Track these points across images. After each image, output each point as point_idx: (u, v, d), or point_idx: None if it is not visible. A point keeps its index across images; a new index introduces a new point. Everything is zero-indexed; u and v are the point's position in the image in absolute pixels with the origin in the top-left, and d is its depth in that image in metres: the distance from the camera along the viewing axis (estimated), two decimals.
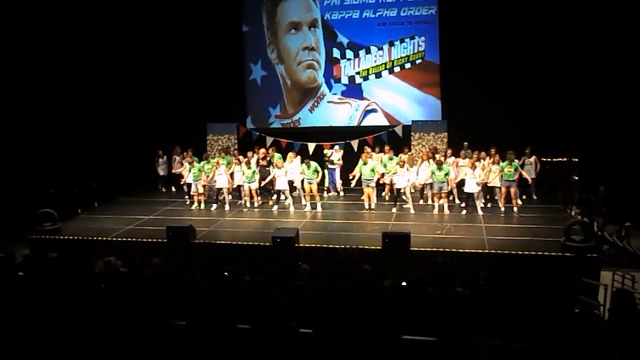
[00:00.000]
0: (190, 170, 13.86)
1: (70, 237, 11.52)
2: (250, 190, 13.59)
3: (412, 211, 12.93)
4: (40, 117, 14.14)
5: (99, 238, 11.37)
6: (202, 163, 13.90)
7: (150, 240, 11.18)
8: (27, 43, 13.87)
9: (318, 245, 10.57)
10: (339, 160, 14.82)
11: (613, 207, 11.74)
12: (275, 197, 13.92)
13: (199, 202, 13.91)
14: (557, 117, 13.69)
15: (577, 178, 12.59)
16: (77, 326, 4.42)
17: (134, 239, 11.29)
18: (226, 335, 4.73)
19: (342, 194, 14.91)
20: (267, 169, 13.70)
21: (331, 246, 10.46)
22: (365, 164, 13.09)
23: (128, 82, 15.87)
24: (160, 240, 11.04)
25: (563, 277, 8.89)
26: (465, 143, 14.18)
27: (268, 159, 14.06)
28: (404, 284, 6.25)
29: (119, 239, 11.36)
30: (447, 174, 12.72)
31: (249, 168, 13.44)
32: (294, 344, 4.48)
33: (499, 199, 12.83)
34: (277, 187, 13.47)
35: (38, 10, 13.98)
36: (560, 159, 13.39)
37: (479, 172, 12.53)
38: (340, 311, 4.96)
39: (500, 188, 12.73)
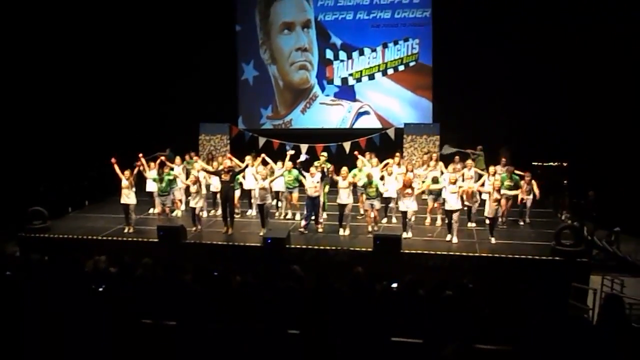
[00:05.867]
0: (158, 181, 11.82)
1: (60, 236, 11.43)
2: (195, 214, 11.44)
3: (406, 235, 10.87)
4: (32, 115, 14.06)
5: (89, 237, 11.30)
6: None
7: (140, 239, 11.15)
8: (21, 42, 13.79)
9: (309, 247, 10.56)
10: (315, 187, 11.04)
11: (603, 212, 11.82)
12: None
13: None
14: (548, 121, 13.75)
15: (566, 182, 12.63)
16: (64, 326, 4.39)
17: (124, 239, 11.24)
18: (216, 335, 4.71)
19: (320, 229, 11.55)
20: (231, 185, 11.23)
21: (322, 248, 10.46)
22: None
23: (120, 81, 15.78)
24: (151, 240, 11.00)
25: (553, 281, 8.94)
26: (479, 146, 13.56)
27: (232, 173, 11.14)
28: (394, 285, 6.26)
29: (110, 239, 11.28)
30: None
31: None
32: (283, 346, 4.47)
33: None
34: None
35: (35, 10, 13.92)
36: (551, 164, 13.42)
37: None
38: (330, 312, 4.96)
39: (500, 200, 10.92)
